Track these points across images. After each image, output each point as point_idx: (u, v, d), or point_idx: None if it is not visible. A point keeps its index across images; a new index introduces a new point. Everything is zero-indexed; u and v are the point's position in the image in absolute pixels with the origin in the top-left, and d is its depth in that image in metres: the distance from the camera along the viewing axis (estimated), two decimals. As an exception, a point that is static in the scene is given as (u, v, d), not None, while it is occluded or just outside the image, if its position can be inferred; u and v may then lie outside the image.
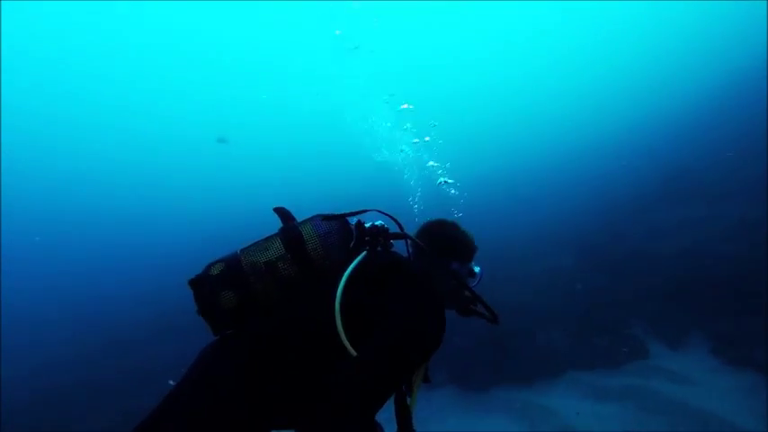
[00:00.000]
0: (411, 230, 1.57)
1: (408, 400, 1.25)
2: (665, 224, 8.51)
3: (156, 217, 31.72)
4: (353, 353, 1.11)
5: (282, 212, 1.40)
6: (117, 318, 11.35)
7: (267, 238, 1.33)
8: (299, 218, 1.42)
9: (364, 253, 1.29)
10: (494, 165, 24.49)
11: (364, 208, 1.42)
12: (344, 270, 1.23)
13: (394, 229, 1.46)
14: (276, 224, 1.40)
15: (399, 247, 1.47)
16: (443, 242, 1.54)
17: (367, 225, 1.39)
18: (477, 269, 1.60)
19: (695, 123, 14.14)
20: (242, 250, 1.30)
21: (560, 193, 15.15)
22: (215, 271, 1.26)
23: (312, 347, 1.15)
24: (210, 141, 31.38)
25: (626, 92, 27.78)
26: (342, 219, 1.37)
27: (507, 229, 12.00)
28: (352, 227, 1.38)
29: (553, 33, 28.61)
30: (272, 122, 32.83)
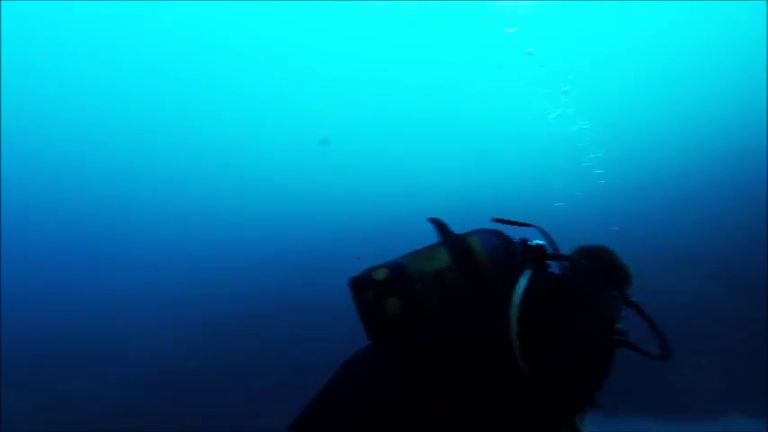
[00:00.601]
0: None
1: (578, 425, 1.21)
2: None
3: (261, 220, 34.02)
4: (528, 372, 1.10)
5: (439, 223, 1.39)
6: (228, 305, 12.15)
7: (430, 248, 1.32)
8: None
9: (531, 271, 1.26)
10: (626, 163, 22.19)
11: (526, 222, 1.42)
12: (510, 286, 1.21)
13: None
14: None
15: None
16: (603, 268, 1.50)
17: (530, 243, 1.38)
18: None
19: None
20: (404, 257, 1.30)
21: (695, 207, 13.37)
22: (379, 276, 1.24)
23: (477, 361, 1.14)
24: (313, 143, 32.99)
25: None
26: (506, 235, 1.37)
27: (628, 238, 10.85)
28: (518, 243, 1.36)
29: (716, 27, 25.79)
30: (380, 123, 33.65)
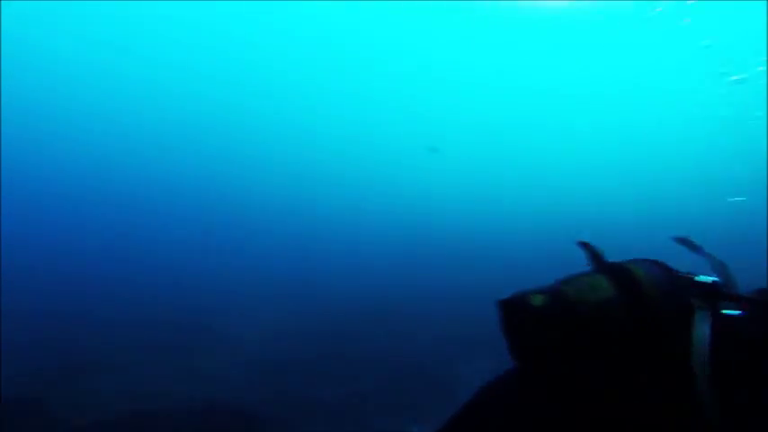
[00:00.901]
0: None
1: None
2: None
3: (363, 224, 35.12)
4: None
5: (591, 248, 1.28)
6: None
7: (588, 275, 1.19)
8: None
9: (705, 312, 1.09)
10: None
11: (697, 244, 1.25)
12: (681, 326, 1.07)
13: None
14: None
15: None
16: None
17: (698, 279, 1.19)
18: None
19: None
20: (562, 283, 1.17)
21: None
22: (537, 302, 1.14)
23: (640, 406, 1.03)
24: (423, 150, 33.40)
25: None
26: (669, 267, 1.21)
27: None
28: (684, 277, 1.19)
29: None
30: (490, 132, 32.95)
